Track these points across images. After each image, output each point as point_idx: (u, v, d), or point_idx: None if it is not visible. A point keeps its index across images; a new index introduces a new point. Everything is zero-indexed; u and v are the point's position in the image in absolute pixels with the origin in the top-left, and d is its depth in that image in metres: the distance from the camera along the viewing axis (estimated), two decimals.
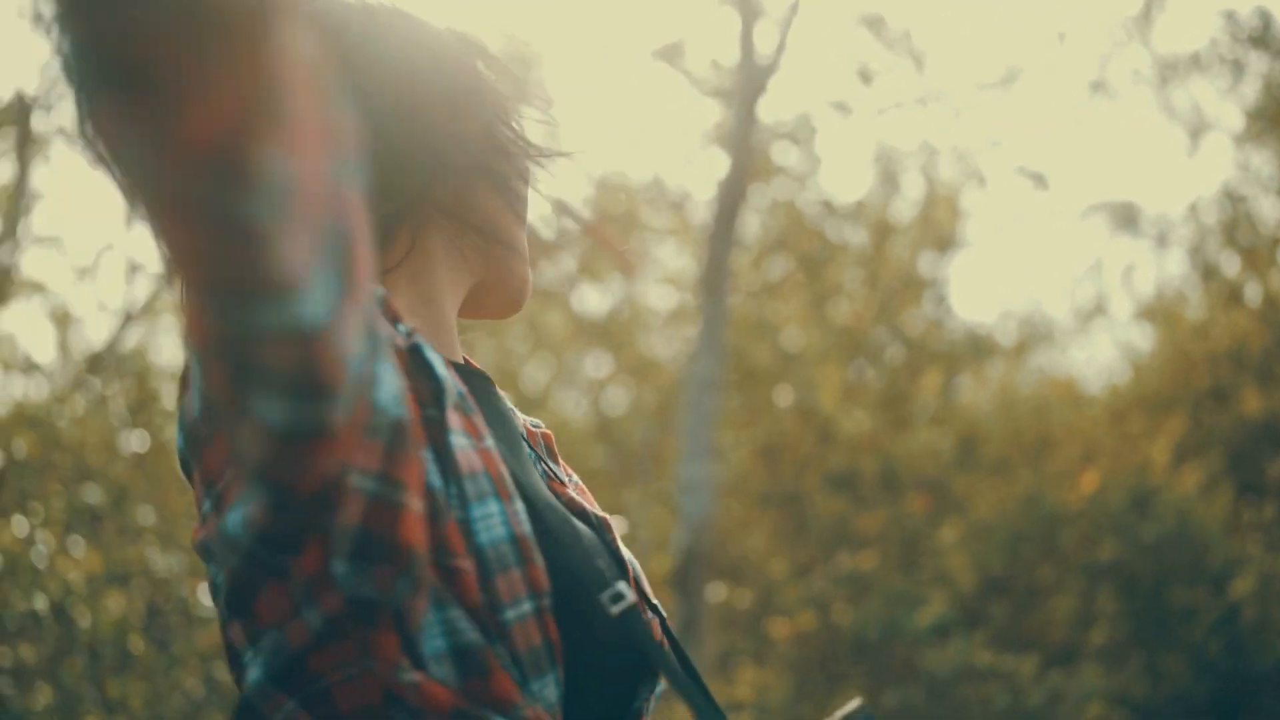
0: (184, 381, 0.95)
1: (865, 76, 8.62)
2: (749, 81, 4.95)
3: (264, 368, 0.71)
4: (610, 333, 8.89)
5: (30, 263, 10.21)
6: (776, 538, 5.78)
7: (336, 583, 0.88)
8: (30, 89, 9.05)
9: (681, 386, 6.32)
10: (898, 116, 9.91)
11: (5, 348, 8.29)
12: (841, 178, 15.99)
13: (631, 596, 0.99)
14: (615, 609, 0.99)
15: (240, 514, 0.89)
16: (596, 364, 10.53)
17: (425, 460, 0.91)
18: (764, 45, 5.22)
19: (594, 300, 11.46)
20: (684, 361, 7.30)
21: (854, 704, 1.14)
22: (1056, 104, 12.39)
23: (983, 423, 7.12)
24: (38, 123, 9.47)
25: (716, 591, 5.35)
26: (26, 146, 9.69)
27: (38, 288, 10.07)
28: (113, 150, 0.65)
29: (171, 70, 0.61)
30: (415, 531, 0.89)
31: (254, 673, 0.92)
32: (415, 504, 0.89)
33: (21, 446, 5.17)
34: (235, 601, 0.93)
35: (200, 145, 0.63)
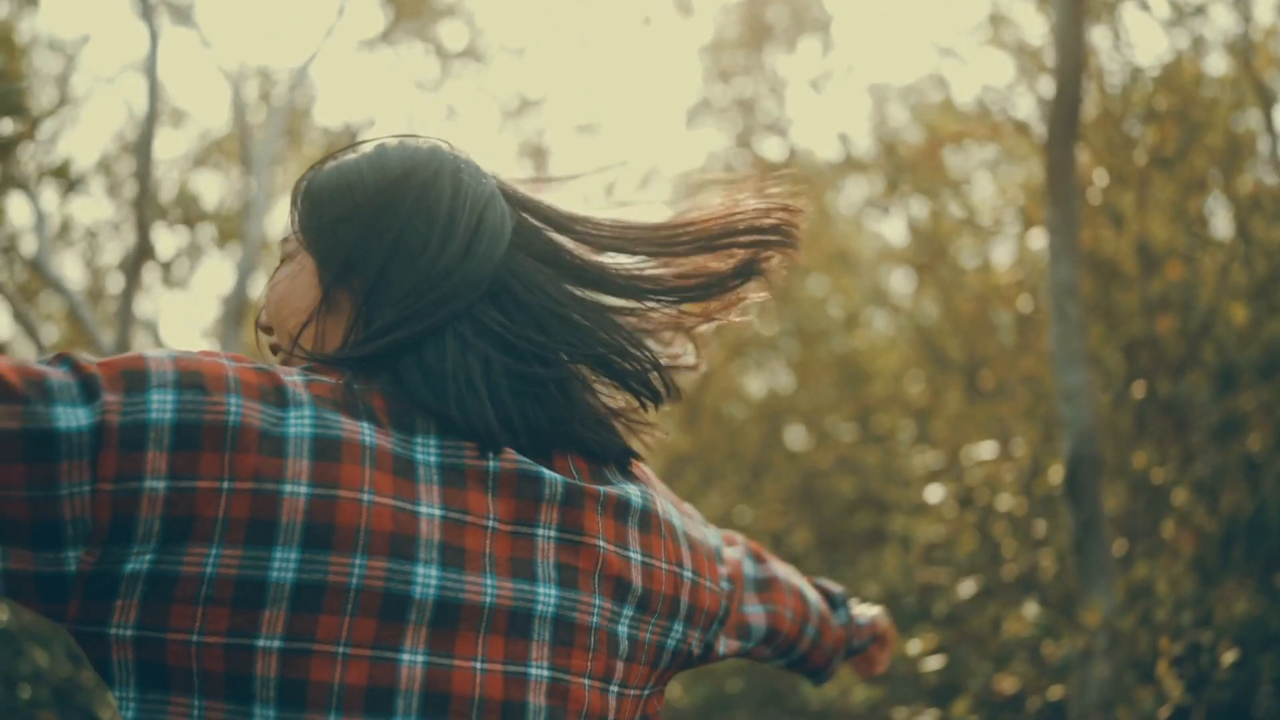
0: None
1: None
2: None
3: None
4: (921, 249, 8.81)
5: None
6: (1156, 438, 5.67)
7: None
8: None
9: (1036, 295, 6.24)
10: None
11: None
12: (1148, 45, 14.93)
13: None
14: None
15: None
16: (906, 281, 10.44)
17: None
18: None
19: (899, 223, 11.30)
20: (1009, 270, 7.19)
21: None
22: None
23: None
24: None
25: (1109, 497, 5.32)
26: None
27: None
28: None
29: None
30: None
31: None
32: None
33: None
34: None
35: None
